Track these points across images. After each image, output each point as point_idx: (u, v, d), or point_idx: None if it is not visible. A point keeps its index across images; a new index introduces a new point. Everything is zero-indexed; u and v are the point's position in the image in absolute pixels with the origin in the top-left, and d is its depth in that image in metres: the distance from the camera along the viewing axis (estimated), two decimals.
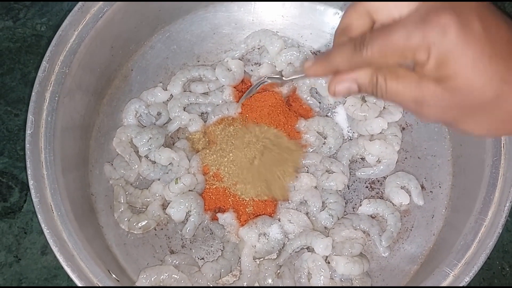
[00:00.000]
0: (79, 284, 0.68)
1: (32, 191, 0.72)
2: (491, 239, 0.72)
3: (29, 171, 0.73)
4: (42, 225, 0.70)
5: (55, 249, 0.70)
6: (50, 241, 0.70)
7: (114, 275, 0.74)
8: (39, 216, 0.71)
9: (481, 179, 0.77)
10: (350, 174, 0.92)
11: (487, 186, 0.76)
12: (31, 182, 0.73)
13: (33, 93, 0.77)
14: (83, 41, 0.82)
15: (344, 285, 0.83)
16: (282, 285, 0.83)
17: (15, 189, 0.95)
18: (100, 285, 0.70)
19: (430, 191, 0.90)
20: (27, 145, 0.74)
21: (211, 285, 0.83)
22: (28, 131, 0.75)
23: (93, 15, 0.84)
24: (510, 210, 0.75)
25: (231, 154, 0.89)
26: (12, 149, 0.97)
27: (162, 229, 0.88)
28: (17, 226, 0.92)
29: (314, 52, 0.98)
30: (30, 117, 0.76)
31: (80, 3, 0.84)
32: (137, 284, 0.81)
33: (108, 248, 0.84)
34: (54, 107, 0.78)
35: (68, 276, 0.88)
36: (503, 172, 0.75)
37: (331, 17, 0.99)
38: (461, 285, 0.70)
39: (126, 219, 0.87)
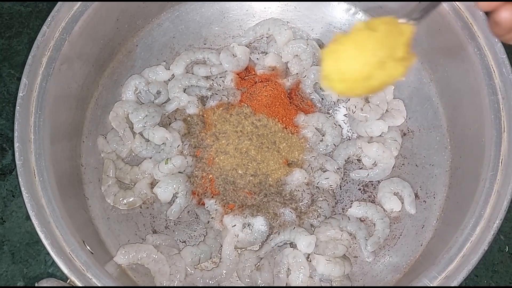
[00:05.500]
0: (50, 252, 0.68)
1: (16, 154, 0.72)
2: (475, 255, 0.69)
3: (16, 133, 0.73)
4: (22, 188, 0.70)
5: (31, 213, 0.69)
6: (28, 205, 0.69)
7: (88, 247, 0.73)
8: (19, 179, 0.70)
9: (474, 193, 0.75)
10: (344, 174, 0.90)
11: (480, 201, 0.73)
12: (16, 145, 0.72)
13: (29, 57, 0.76)
14: (87, 10, 0.81)
15: (323, 285, 0.81)
16: (261, 279, 0.81)
17: (8, 152, 0.95)
18: (72, 255, 0.69)
19: (424, 201, 0.87)
20: (17, 108, 0.74)
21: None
22: (20, 94, 0.74)
23: None
24: (505, 230, 0.72)
25: (224, 140, 0.88)
26: (11, 112, 0.97)
27: (147, 207, 0.87)
28: (5, 189, 0.92)
29: (322, 46, 0.96)
30: (23, 80, 0.75)
31: None
32: (115, 259, 0.80)
33: (90, 220, 0.84)
34: (49, 73, 0.77)
35: None
36: (498, 189, 0.72)
37: (343, 13, 0.96)
38: None
39: (112, 194, 0.87)
